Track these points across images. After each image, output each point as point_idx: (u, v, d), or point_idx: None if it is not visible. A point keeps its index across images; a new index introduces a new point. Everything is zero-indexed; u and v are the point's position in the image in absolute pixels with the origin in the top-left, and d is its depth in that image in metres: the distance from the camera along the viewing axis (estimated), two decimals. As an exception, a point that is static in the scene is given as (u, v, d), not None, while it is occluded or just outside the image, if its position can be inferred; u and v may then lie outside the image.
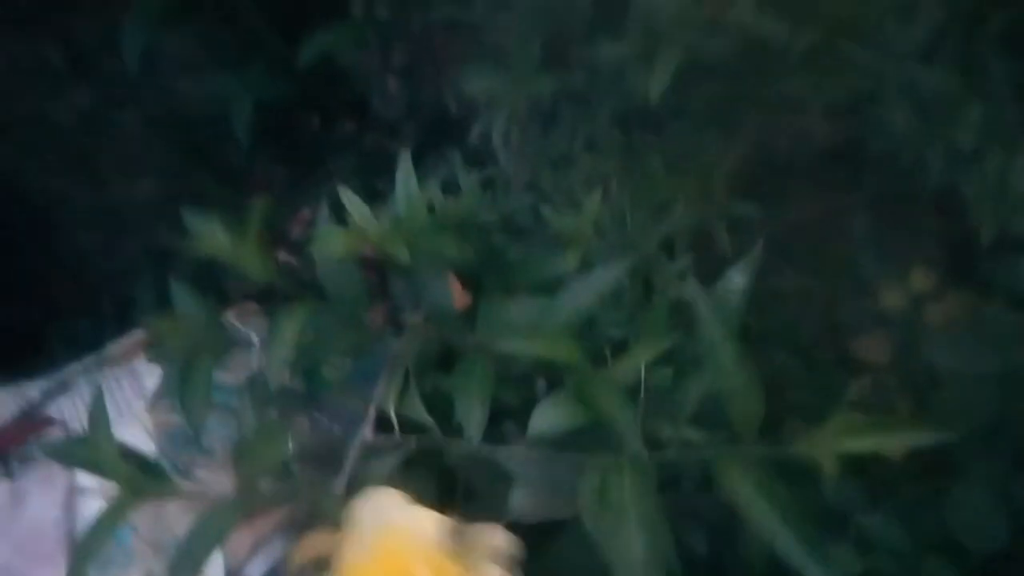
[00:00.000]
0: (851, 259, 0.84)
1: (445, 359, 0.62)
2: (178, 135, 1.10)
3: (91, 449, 0.49)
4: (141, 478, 0.50)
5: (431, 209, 0.61)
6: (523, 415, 0.51)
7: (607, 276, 0.54)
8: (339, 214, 0.63)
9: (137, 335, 1.03)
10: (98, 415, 0.50)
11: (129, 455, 0.52)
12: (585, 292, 0.53)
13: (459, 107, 0.80)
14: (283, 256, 1.05)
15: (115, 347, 1.02)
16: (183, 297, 0.67)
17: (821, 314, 0.82)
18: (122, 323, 1.09)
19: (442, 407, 0.56)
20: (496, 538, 0.44)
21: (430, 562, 0.43)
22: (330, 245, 0.53)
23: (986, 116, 0.68)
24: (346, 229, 0.55)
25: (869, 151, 0.74)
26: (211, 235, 0.57)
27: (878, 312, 0.82)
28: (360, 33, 0.90)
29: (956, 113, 0.65)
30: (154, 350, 0.71)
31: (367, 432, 0.55)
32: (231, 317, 1.00)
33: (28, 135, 1.12)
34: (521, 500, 0.50)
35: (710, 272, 0.58)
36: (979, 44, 0.68)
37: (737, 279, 0.48)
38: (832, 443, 0.39)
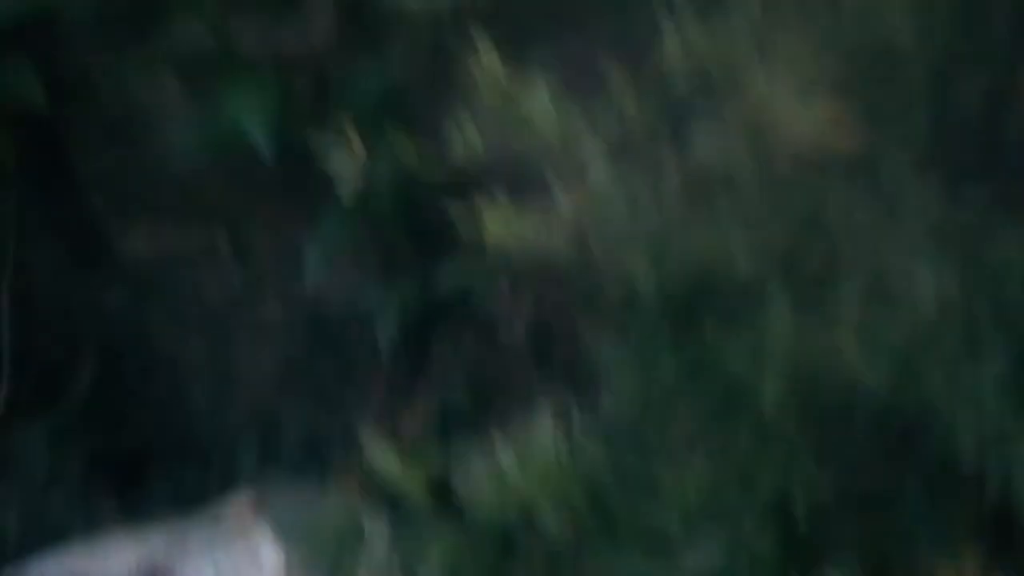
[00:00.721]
0: (905, 531, 0.91)
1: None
2: (311, 322, 1.23)
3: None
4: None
5: (558, 461, 0.71)
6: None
7: (705, 555, 0.63)
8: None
9: (245, 496, 1.11)
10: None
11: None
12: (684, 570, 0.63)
13: (579, 357, 0.91)
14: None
15: (224, 506, 1.11)
16: (329, 498, 0.77)
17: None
18: (223, 475, 1.19)
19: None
20: None
21: None
22: (486, 499, 0.64)
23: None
24: (499, 483, 0.66)
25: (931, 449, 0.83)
26: (384, 459, 0.68)
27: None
28: (493, 274, 1.03)
29: (1016, 439, 0.75)
30: (293, 544, 0.80)
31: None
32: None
33: (176, 302, 1.26)
34: None
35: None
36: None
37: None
38: None
